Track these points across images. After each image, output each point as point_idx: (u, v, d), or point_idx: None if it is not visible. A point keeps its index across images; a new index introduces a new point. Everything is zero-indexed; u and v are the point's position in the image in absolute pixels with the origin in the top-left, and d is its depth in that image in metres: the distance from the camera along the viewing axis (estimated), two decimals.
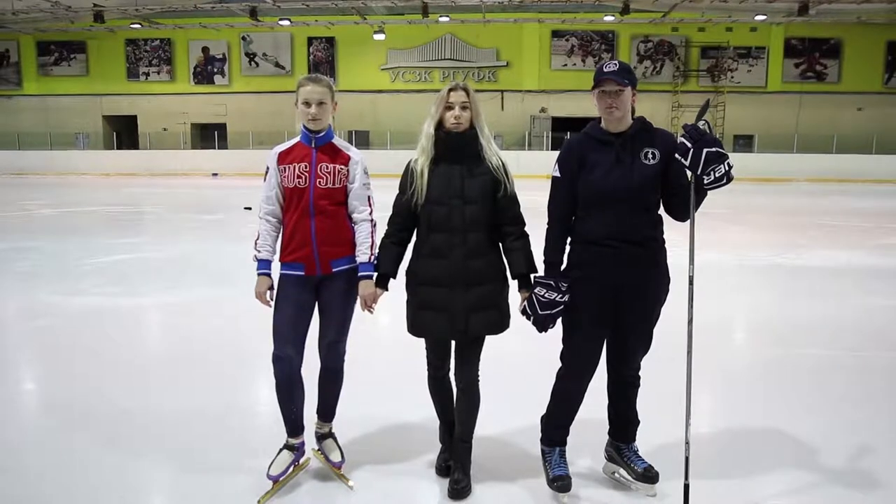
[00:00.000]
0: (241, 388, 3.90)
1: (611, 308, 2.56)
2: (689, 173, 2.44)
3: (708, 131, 2.39)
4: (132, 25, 25.14)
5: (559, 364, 2.70)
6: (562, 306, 2.56)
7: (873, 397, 3.81)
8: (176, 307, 5.90)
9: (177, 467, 2.91)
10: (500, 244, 2.68)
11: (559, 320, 2.63)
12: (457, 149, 2.60)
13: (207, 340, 4.82)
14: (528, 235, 2.67)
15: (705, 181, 2.38)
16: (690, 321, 2.54)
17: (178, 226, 11.85)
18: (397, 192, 2.71)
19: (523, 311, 2.64)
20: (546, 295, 2.54)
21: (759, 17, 23.30)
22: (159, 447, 3.10)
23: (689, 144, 2.37)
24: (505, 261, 2.68)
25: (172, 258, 8.28)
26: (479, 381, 2.71)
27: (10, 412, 3.56)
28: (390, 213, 2.72)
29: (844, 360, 4.46)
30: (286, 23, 24.47)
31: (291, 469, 2.76)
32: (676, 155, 2.42)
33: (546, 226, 2.64)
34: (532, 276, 2.64)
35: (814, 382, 4.06)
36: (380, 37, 24.90)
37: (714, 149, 2.35)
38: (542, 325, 2.61)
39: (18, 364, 4.45)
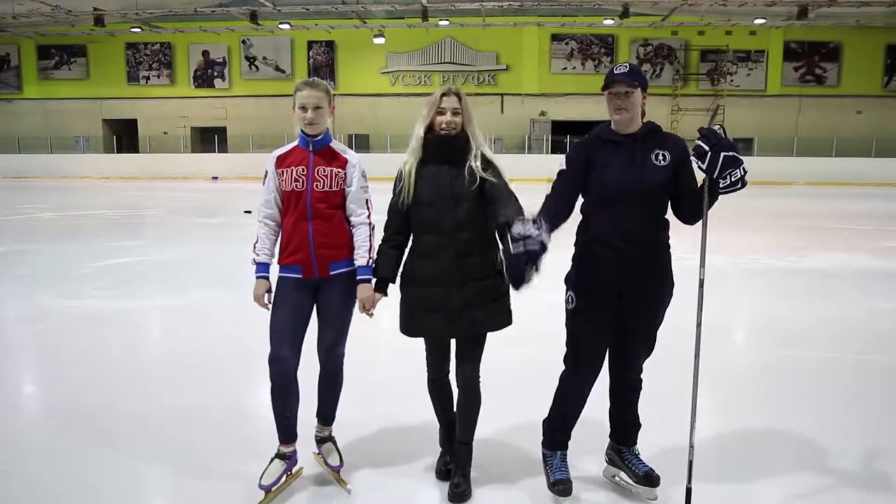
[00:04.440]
0: (242, 392, 3.88)
1: (614, 311, 2.55)
2: (701, 176, 2.42)
3: (724, 135, 2.38)
4: (132, 29, 25.11)
5: (561, 367, 2.68)
6: (538, 246, 2.22)
7: (876, 400, 3.80)
8: (177, 310, 5.89)
9: (175, 471, 2.90)
10: (496, 226, 2.50)
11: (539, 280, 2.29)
12: (445, 152, 2.60)
13: (208, 343, 4.81)
14: (523, 210, 2.45)
15: (721, 185, 2.38)
16: (699, 325, 2.52)
17: (180, 229, 11.84)
18: (391, 196, 2.71)
19: (502, 257, 2.40)
20: (520, 229, 2.25)
21: (759, 21, 23.30)
22: (159, 450, 3.08)
23: (706, 147, 2.35)
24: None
25: (174, 261, 8.27)
26: (479, 382, 2.70)
27: (12, 414, 3.54)
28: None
29: (846, 363, 4.45)
30: (286, 27, 24.51)
31: (284, 479, 2.73)
32: (692, 157, 2.41)
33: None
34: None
35: (816, 385, 4.05)
36: (380, 40, 24.94)
37: (731, 153, 2.33)
38: (515, 266, 2.24)
39: (20, 367, 4.44)
